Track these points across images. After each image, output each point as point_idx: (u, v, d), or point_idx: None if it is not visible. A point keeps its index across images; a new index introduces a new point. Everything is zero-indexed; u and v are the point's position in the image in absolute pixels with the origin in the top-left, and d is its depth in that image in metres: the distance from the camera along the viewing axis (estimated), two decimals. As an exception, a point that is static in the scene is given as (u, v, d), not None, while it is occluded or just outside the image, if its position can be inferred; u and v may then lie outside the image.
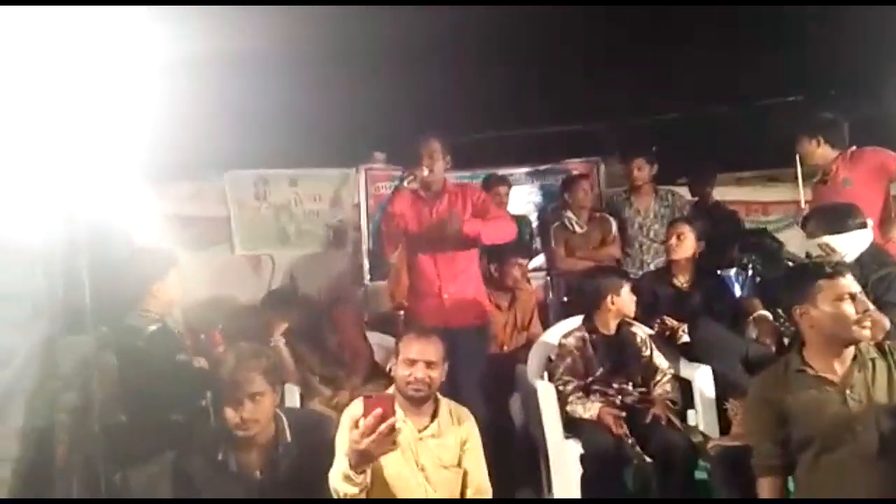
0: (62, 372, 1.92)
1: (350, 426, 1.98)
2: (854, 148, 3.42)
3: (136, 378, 2.20)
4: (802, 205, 3.57)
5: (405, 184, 3.03)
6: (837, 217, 2.69)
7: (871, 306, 2.15)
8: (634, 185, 4.38)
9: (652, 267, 4.15)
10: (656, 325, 3.24)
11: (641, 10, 4.50)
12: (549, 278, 4.40)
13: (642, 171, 4.32)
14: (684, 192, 4.73)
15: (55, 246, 1.73)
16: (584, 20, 4.69)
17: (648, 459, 2.64)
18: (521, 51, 4.91)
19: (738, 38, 4.49)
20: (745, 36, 4.41)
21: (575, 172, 5.23)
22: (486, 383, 3.06)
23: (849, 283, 2.08)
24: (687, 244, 3.40)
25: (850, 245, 2.62)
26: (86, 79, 1.98)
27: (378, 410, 1.91)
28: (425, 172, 3.05)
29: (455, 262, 3.16)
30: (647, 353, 3.02)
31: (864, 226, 2.66)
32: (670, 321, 3.24)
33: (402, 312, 4.03)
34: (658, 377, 2.97)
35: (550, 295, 4.39)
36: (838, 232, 2.64)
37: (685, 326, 3.17)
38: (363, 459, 1.95)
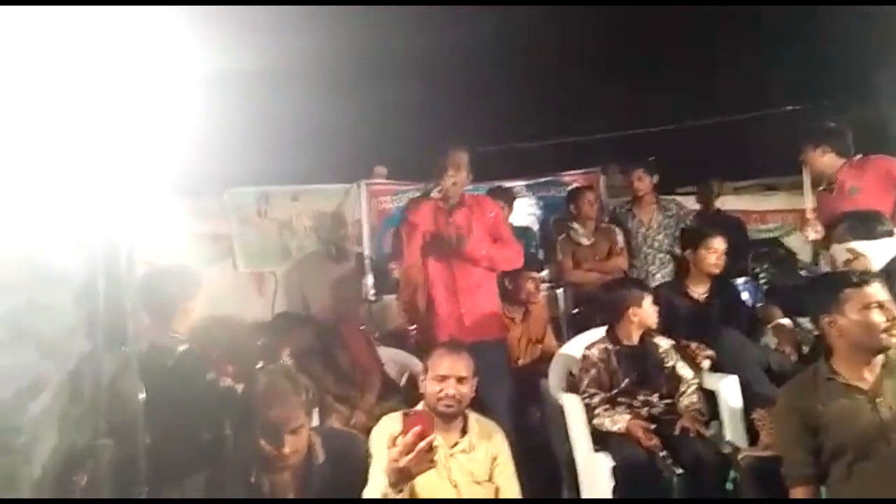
0: (92, 394, 1.88)
1: (388, 444, 1.96)
2: (860, 156, 3.45)
3: (166, 399, 2.15)
4: (809, 213, 3.59)
5: (433, 194, 3.01)
6: (866, 223, 2.70)
7: (901, 314, 2.16)
8: (636, 195, 4.40)
9: (658, 277, 4.17)
10: (694, 352, 3.22)
11: (641, 22, 4.57)
12: (559, 291, 4.40)
13: (643, 181, 4.33)
14: (686, 201, 4.76)
15: (92, 266, 1.70)
16: (583, 33, 4.75)
17: (679, 471, 2.64)
18: (521, 64, 4.97)
19: (737, 50, 4.57)
20: (744, 47, 4.48)
21: (576, 184, 5.26)
22: (508, 398, 3.03)
23: (876, 291, 2.10)
24: (723, 260, 3.41)
25: (878, 252, 2.63)
26: (99, 97, 1.96)
27: (417, 428, 1.90)
28: (450, 183, 3.01)
29: (473, 276, 3.13)
30: (671, 363, 3.02)
31: (892, 233, 2.68)
32: (693, 345, 3.23)
33: (413, 327, 4.01)
34: (683, 388, 2.96)
35: (561, 307, 4.38)
36: (867, 238, 2.65)
37: (708, 352, 3.17)
38: (402, 477, 1.93)
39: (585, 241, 4.35)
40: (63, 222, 1.89)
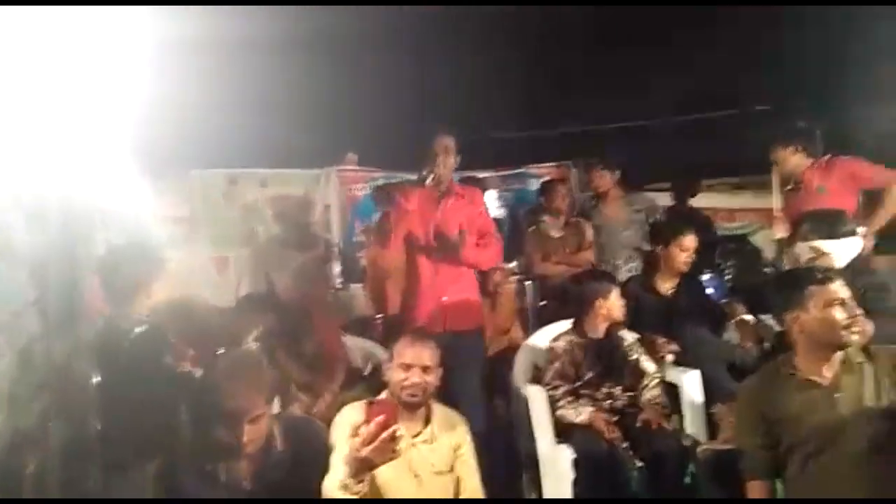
0: (42, 374, 1.82)
1: (350, 433, 1.93)
2: (828, 156, 3.51)
3: (120, 382, 2.09)
4: (777, 212, 3.64)
5: (428, 182, 2.98)
6: (830, 222, 2.73)
7: (860, 312, 2.20)
8: (599, 191, 4.41)
9: (624, 271, 4.19)
10: (659, 346, 3.23)
11: (617, 19, 4.57)
12: (527, 283, 4.39)
13: (602, 178, 4.35)
14: (658, 197, 4.79)
15: (48, 242, 1.63)
16: (560, 27, 4.73)
17: (639, 464, 2.65)
18: (497, 55, 4.93)
19: (710, 49, 4.59)
20: (718, 46, 4.51)
21: (548, 177, 5.27)
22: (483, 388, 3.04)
23: (838, 288, 2.13)
24: (693, 257, 3.43)
25: (841, 250, 2.67)
26: (61, 74, 1.88)
27: (380, 417, 1.87)
28: (442, 169, 2.99)
29: (453, 266, 3.09)
30: (635, 357, 3.03)
31: (854, 233, 2.72)
32: (660, 340, 3.24)
33: (379, 316, 3.98)
34: (646, 381, 2.97)
35: (528, 299, 4.38)
36: (830, 237, 2.69)
37: (672, 347, 3.19)
38: (363, 467, 1.90)
39: (555, 234, 4.35)
40: (18, 195, 1.81)
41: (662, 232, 3.67)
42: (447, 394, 2.47)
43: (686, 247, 3.43)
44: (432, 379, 2.31)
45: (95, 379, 1.97)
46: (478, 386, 3.00)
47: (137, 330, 2.29)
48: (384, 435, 1.85)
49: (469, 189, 3.32)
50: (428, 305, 3.07)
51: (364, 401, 2.08)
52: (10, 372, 1.80)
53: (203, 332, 3.36)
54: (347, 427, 2.04)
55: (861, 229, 2.81)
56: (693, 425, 2.91)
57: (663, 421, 2.79)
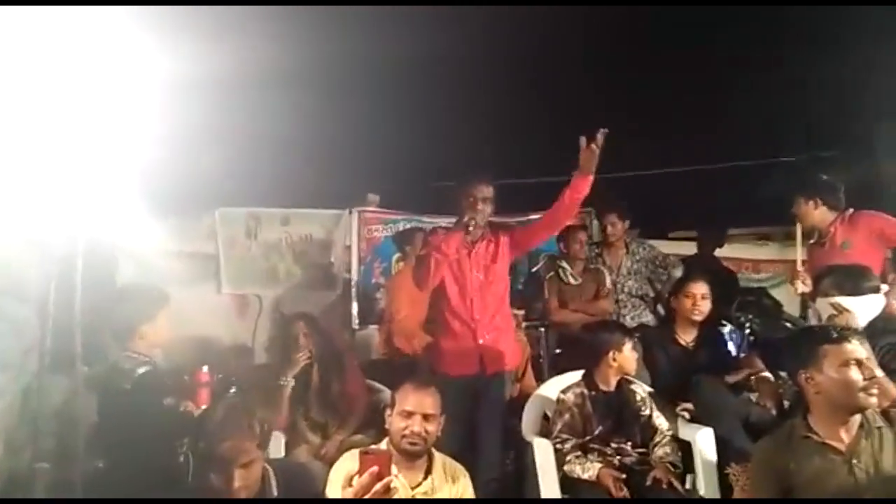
0: (42, 414, 1.82)
1: (343, 483, 1.89)
2: (851, 211, 3.42)
3: (119, 422, 2.09)
4: (800, 266, 3.54)
5: (470, 228, 3.03)
6: (852, 278, 2.65)
7: (879, 373, 2.11)
8: (607, 241, 4.41)
9: (629, 320, 4.14)
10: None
11: (639, 67, 4.58)
12: (541, 329, 4.33)
13: (615, 227, 4.36)
14: (683, 246, 4.74)
15: (48, 282, 1.65)
16: (580, 73, 4.76)
17: (648, 524, 2.56)
18: (517, 101, 4.96)
19: (733, 99, 4.57)
20: (741, 97, 4.49)
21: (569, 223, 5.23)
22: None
23: (855, 348, 2.06)
24: (707, 304, 3.33)
25: (862, 308, 2.58)
26: (77, 110, 1.92)
27: (374, 469, 1.84)
28: (480, 218, 3.06)
29: (487, 308, 3.13)
30: (647, 412, 2.95)
31: (877, 290, 2.63)
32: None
33: (395, 358, 3.95)
34: (658, 438, 2.89)
35: (543, 347, 4.31)
36: (852, 293, 2.60)
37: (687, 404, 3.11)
38: (357, 519, 1.86)
39: (573, 281, 4.30)
40: (28, 236, 1.85)
41: (675, 282, 3.62)
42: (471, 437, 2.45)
43: (691, 294, 3.33)
44: (433, 428, 2.27)
45: (93, 420, 1.97)
46: (501, 429, 3.04)
47: (140, 370, 2.29)
48: (377, 487, 1.81)
49: (498, 235, 3.32)
50: (463, 348, 3.09)
51: (359, 449, 2.05)
52: (10, 412, 1.81)
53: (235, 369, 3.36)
54: (343, 476, 2.01)
55: (885, 286, 2.71)
56: (706, 486, 2.80)
57: (674, 480, 2.68)
